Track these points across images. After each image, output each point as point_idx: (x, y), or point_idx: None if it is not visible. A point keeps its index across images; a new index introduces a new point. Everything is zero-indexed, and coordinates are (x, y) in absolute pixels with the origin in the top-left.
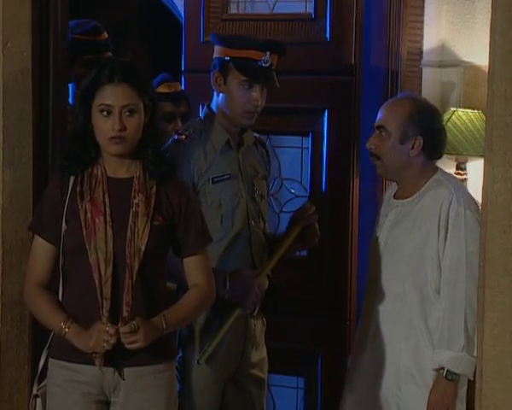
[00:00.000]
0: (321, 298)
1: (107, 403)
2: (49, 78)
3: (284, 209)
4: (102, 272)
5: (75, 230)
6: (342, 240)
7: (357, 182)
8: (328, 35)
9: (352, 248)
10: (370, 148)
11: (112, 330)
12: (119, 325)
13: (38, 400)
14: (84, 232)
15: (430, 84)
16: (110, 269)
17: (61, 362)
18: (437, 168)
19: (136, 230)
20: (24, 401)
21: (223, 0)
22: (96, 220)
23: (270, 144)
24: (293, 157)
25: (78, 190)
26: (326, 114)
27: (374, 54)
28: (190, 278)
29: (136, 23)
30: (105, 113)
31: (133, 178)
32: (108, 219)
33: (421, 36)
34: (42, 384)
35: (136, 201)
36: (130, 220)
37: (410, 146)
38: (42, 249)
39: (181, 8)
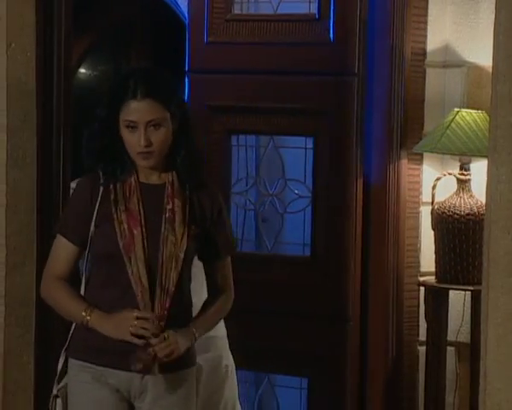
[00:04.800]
0: (324, 299)
1: (132, 406)
2: (53, 78)
3: (288, 210)
4: (145, 283)
5: (108, 235)
6: (346, 241)
7: (360, 182)
8: (332, 35)
9: (355, 250)
10: None
11: (141, 314)
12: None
13: (59, 400)
14: (121, 244)
15: (434, 85)
16: (151, 279)
17: (86, 364)
18: None
19: (173, 238)
20: (28, 400)
21: (227, 0)
22: (135, 232)
23: (273, 145)
24: (297, 158)
25: (112, 197)
26: (330, 114)
27: (377, 54)
28: (213, 282)
29: (139, 23)
30: (130, 128)
31: (165, 183)
32: (144, 229)
33: (425, 36)
34: (61, 385)
35: (169, 206)
36: (163, 227)
37: None
38: (64, 249)
39: (184, 8)
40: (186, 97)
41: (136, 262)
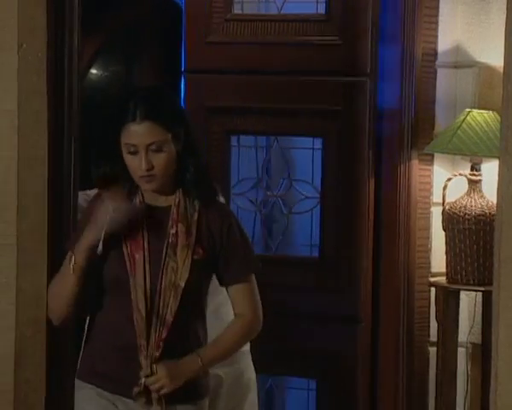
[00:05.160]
0: (334, 300)
1: None
2: (64, 79)
3: (293, 210)
4: (142, 311)
5: (115, 259)
6: (357, 242)
7: (371, 183)
8: (341, 36)
9: (367, 250)
10: None
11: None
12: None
13: None
14: (128, 268)
15: (445, 85)
16: (149, 307)
17: (95, 388)
18: None
19: (174, 264)
20: (40, 401)
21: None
22: (136, 256)
23: (278, 145)
24: (303, 158)
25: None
26: (341, 115)
27: (388, 55)
28: (233, 307)
29: (150, 23)
30: (131, 152)
31: (171, 206)
32: (146, 254)
33: (436, 37)
34: None
35: (173, 231)
36: (163, 253)
37: None
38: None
39: None
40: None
41: (135, 288)
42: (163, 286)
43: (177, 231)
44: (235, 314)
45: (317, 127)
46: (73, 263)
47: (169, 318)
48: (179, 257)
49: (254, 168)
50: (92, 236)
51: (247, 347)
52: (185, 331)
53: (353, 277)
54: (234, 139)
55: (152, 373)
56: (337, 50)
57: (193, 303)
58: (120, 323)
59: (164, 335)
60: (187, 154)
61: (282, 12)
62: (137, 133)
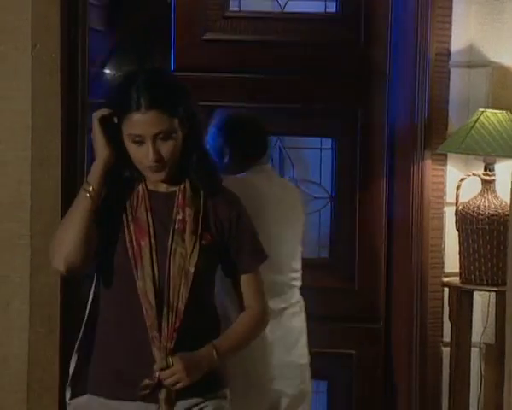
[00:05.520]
0: (351, 301)
1: None
2: (78, 78)
3: None
4: (152, 301)
5: (119, 248)
6: (371, 242)
7: (384, 183)
8: (357, 35)
9: (380, 251)
10: None
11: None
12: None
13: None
14: (130, 255)
15: (458, 85)
16: (158, 296)
17: (101, 399)
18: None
19: (182, 250)
20: (53, 400)
21: None
22: (142, 243)
23: (280, 145)
24: (311, 158)
25: (126, 204)
26: (356, 115)
27: (401, 55)
28: (239, 299)
29: (163, 23)
30: (136, 142)
31: (176, 192)
32: (153, 240)
33: (450, 36)
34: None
35: (179, 217)
36: (170, 239)
37: (226, 157)
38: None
39: None
40: None
41: (143, 277)
42: (172, 274)
43: (184, 217)
44: (241, 306)
45: (329, 127)
46: (91, 190)
47: (181, 306)
48: (187, 243)
49: None
50: (102, 154)
51: (305, 360)
52: (197, 320)
53: (366, 277)
54: None
55: (167, 366)
56: (352, 50)
57: (203, 290)
58: (125, 314)
59: (177, 324)
60: (192, 137)
61: (285, 10)
62: (143, 123)
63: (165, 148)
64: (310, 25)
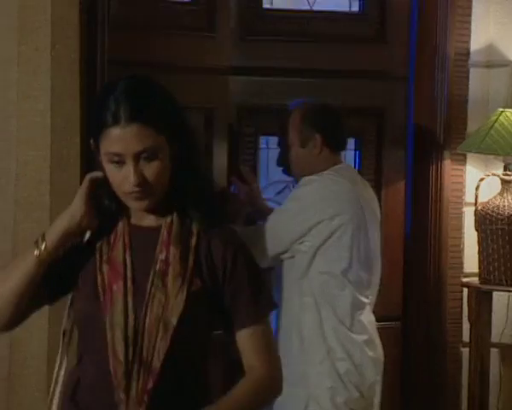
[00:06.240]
0: None
1: None
2: (96, 79)
3: None
4: (120, 356)
5: (89, 294)
6: (393, 241)
7: (405, 182)
8: (378, 35)
9: (399, 250)
10: (278, 165)
11: None
12: None
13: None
14: (102, 300)
15: (478, 85)
16: (131, 351)
17: None
18: (339, 160)
19: (162, 296)
20: None
21: None
22: (114, 287)
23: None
24: None
25: (98, 244)
26: (378, 114)
27: (421, 54)
28: (244, 359)
29: None
30: (115, 163)
31: (162, 226)
32: (129, 284)
33: (469, 36)
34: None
35: (162, 257)
36: (149, 283)
37: (312, 146)
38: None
39: None
40: None
41: (111, 326)
42: (147, 324)
43: (167, 257)
44: (241, 367)
45: (354, 127)
46: (42, 248)
47: (155, 363)
48: (170, 289)
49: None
50: (75, 214)
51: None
52: (178, 384)
53: (384, 278)
54: (263, 140)
55: None
56: (374, 49)
57: (189, 349)
58: (92, 372)
59: (149, 385)
60: (184, 161)
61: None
62: (123, 140)
63: (150, 170)
64: (333, 23)
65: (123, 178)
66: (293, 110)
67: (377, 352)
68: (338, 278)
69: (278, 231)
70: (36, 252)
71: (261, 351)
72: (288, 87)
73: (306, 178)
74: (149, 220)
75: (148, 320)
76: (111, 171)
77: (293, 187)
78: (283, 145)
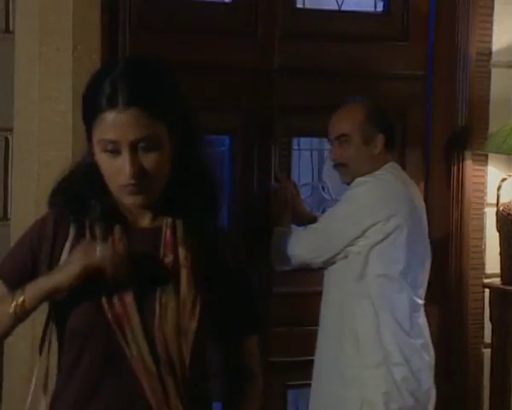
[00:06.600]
0: None
1: None
2: None
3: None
4: (151, 368)
5: (89, 309)
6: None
7: (426, 182)
8: (401, 35)
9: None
10: (335, 159)
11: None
12: None
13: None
14: (110, 315)
15: (499, 85)
16: (162, 364)
17: None
18: (389, 159)
19: (173, 304)
20: None
21: None
22: (127, 299)
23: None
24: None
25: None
26: (399, 114)
27: (442, 54)
28: (250, 365)
29: None
30: (110, 152)
31: (161, 227)
32: (139, 293)
33: (491, 36)
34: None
35: (168, 259)
36: (158, 290)
37: (374, 145)
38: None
39: None
40: None
41: (134, 340)
42: (167, 335)
43: (176, 259)
44: (236, 375)
45: None
46: (19, 304)
47: (184, 373)
48: (184, 293)
49: (310, 173)
50: (66, 280)
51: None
52: (201, 385)
53: None
54: (295, 141)
55: None
56: (396, 49)
57: (204, 351)
58: (112, 394)
59: (182, 393)
60: (186, 155)
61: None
62: (119, 125)
63: (148, 161)
64: (358, 23)
65: (117, 170)
66: (351, 108)
67: (431, 355)
68: (395, 281)
69: (332, 233)
70: (11, 309)
71: (258, 358)
72: (315, 88)
73: (359, 179)
74: (145, 221)
75: (166, 329)
76: (104, 161)
77: (323, 190)
78: (341, 141)
